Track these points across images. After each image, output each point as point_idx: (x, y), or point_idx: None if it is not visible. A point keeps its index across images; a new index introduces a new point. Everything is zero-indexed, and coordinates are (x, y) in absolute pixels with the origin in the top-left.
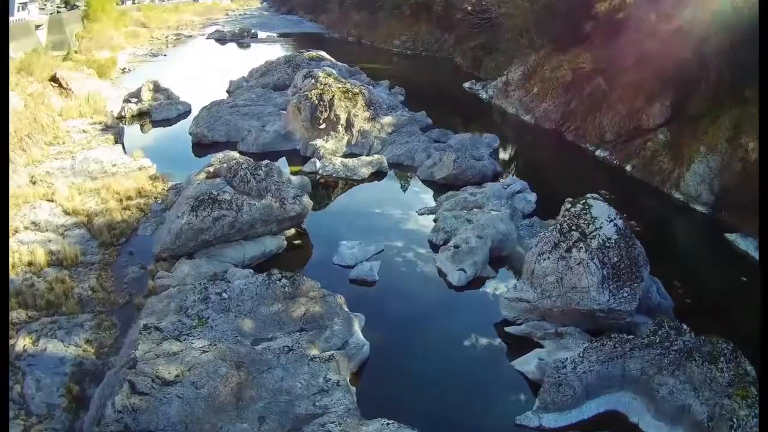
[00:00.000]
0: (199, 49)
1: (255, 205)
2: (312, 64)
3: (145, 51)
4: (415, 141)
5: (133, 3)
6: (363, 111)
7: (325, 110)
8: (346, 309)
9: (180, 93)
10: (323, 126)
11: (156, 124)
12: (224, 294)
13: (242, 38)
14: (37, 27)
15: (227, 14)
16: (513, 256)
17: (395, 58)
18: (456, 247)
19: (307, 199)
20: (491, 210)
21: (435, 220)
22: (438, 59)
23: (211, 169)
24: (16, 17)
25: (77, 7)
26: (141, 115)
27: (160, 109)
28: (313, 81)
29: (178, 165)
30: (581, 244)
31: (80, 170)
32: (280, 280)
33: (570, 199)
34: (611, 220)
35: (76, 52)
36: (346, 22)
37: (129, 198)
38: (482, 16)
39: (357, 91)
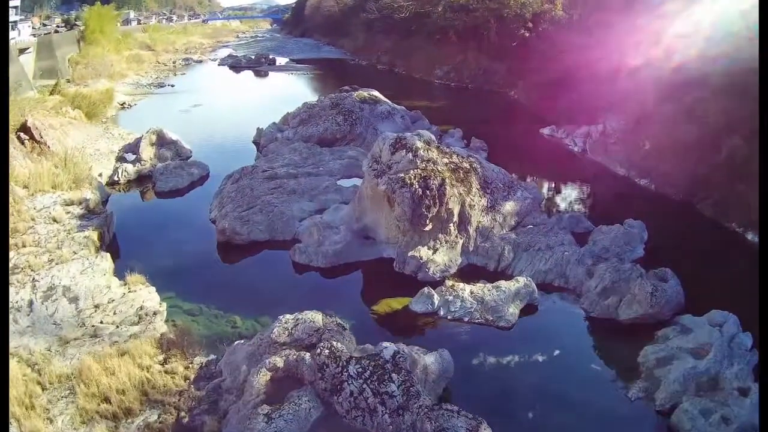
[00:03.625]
0: (211, 77)
1: None
2: (365, 109)
3: (148, 80)
4: (558, 243)
5: (139, 23)
6: (479, 198)
7: (434, 204)
8: None
9: (192, 143)
10: (429, 226)
11: (161, 196)
12: None
13: (259, 65)
14: (23, 51)
15: (237, 36)
16: None
17: (437, 91)
18: None
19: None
20: (736, 387)
21: (660, 409)
22: (487, 92)
23: (279, 362)
24: None
25: (77, 26)
26: (140, 180)
27: (166, 175)
28: (410, 156)
29: (202, 295)
30: None
31: (42, 319)
32: None
33: None
34: None
35: (68, 81)
36: (374, 48)
37: (128, 412)
38: (558, 48)
39: (468, 166)
